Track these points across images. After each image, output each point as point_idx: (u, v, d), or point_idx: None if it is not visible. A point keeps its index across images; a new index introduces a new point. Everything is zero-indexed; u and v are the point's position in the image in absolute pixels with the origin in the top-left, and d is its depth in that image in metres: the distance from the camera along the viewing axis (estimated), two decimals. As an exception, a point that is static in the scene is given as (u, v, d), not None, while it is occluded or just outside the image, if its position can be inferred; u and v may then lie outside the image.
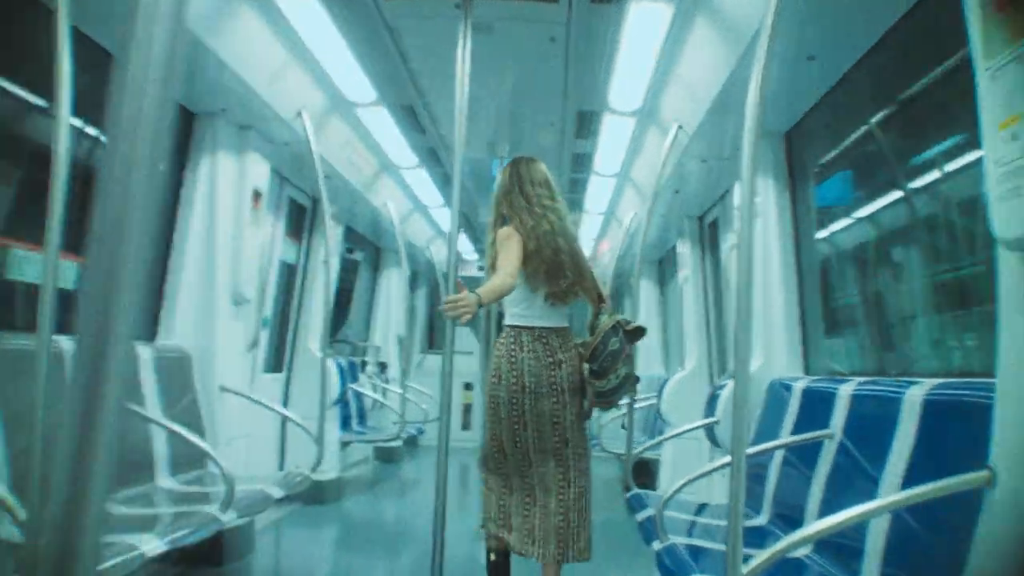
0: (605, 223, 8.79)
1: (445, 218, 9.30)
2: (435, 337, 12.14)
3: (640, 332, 3.73)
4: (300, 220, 7.00)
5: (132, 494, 3.80)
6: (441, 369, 3.87)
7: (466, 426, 11.69)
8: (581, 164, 7.29)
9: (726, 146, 5.11)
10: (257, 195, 5.15)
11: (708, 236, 6.83)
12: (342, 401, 7.28)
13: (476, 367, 11.33)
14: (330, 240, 6.08)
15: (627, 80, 5.07)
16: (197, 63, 4.05)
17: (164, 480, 4.10)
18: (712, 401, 4.88)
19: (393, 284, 9.99)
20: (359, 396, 8.29)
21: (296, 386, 6.76)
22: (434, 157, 7.18)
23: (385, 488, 8.25)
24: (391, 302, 9.99)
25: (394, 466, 9.37)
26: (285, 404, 6.54)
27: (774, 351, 4.60)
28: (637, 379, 3.79)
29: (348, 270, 9.44)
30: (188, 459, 4.28)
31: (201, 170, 4.82)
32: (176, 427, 3.77)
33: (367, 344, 9.66)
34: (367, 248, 9.69)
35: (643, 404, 6.79)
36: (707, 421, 4.73)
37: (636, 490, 4.51)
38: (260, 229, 5.25)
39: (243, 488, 3.76)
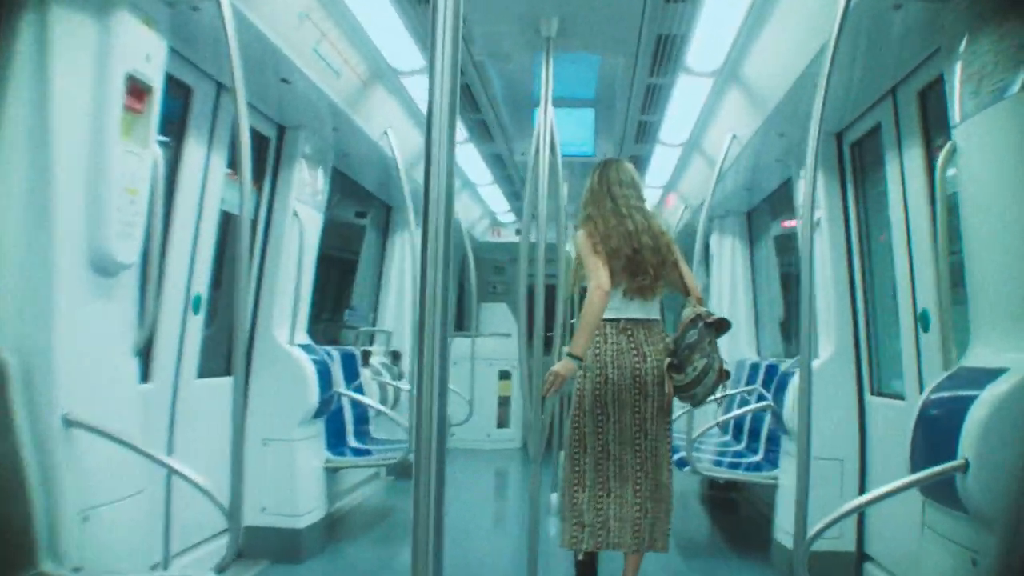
0: (685, 157, 6.55)
1: (471, 160, 7.14)
2: (462, 316, 10.04)
3: (724, 325, 3.82)
4: (262, 157, 4.87)
5: None
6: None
7: (503, 423, 9.69)
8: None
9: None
10: (138, 88, 3.00)
11: (856, 163, 4.77)
12: (327, 411, 5.18)
13: (514, 351, 9.50)
14: (302, 182, 4.96)
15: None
16: None
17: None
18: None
19: (408, 251, 7.90)
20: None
21: (257, 395, 4.65)
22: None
23: (400, 521, 6.03)
24: (405, 275, 7.71)
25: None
26: (239, 423, 4.47)
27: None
28: (727, 374, 3.80)
29: (349, 236, 7.34)
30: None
31: (19, 43, 2.72)
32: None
33: (375, 329, 7.54)
34: (375, 206, 7.57)
35: (753, 407, 5.40)
36: (950, 467, 2.60)
37: None
38: (147, 147, 3.10)
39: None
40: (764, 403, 5.05)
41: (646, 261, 3.78)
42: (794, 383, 4.63)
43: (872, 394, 4.57)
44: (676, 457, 5.63)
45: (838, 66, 3.78)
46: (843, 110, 4.48)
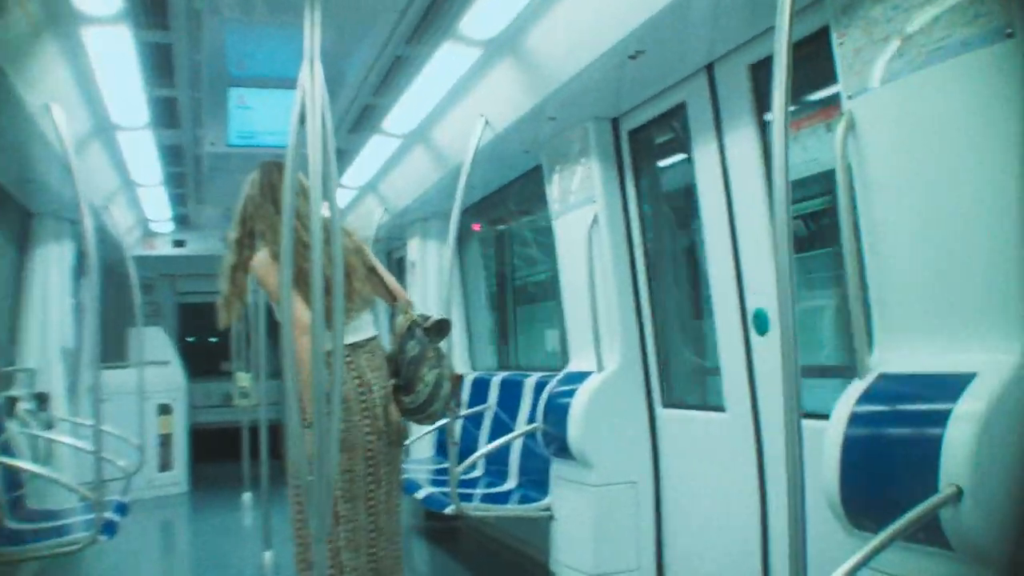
0: (402, 150, 5.78)
1: (142, 152, 5.78)
2: (111, 344, 8.46)
3: (445, 326, 3.38)
4: None
5: None
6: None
7: (166, 465, 8.36)
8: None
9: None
10: None
11: (636, 152, 4.31)
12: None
13: (173, 381, 8.20)
14: None
15: None
16: None
17: None
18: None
19: (53, 270, 6.33)
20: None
21: None
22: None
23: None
24: (49, 299, 6.18)
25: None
26: None
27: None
28: (459, 377, 3.95)
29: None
30: None
31: None
32: None
33: (14, 369, 5.88)
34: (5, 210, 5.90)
35: (524, 431, 4.71)
36: (942, 498, 2.11)
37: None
38: None
39: None
40: (533, 425, 4.44)
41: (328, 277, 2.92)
42: (580, 398, 4.08)
43: (663, 406, 4.14)
44: (423, 495, 4.88)
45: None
46: (619, 94, 4.02)
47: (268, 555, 5.25)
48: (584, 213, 4.25)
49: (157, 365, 8.35)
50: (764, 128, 3.33)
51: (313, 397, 2.52)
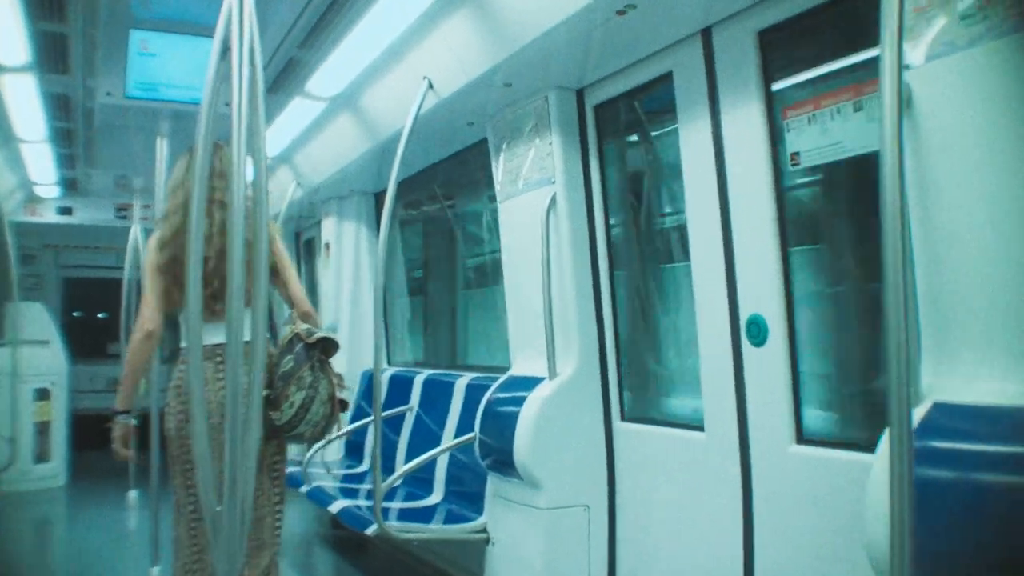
0: (326, 116, 5.11)
1: (24, 101, 4.99)
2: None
3: (330, 346, 3.10)
4: None
5: None
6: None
7: (43, 456, 7.54)
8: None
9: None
10: None
11: (601, 129, 3.80)
12: None
13: (53, 364, 7.37)
14: None
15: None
16: None
17: None
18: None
19: None
20: None
21: None
22: None
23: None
24: None
25: None
26: None
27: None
28: (344, 405, 3.10)
29: None
30: None
31: None
32: None
33: None
34: None
35: (459, 441, 4.15)
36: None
37: None
38: None
39: None
40: (468, 436, 3.88)
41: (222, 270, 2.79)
42: (529, 408, 3.54)
43: (623, 420, 3.64)
44: (337, 509, 4.29)
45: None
46: (587, 62, 3.49)
47: (155, 572, 4.57)
48: (540, 195, 3.71)
49: (35, 345, 7.48)
50: (771, 104, 2.84)
51: (193, 399, 2.30)
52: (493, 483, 3.89)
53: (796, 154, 2.75)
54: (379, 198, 6.34)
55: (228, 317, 2.16)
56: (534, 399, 3.55)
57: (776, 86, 2.85)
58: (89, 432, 8.77)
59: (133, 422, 3.11)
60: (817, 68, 2.75)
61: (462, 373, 4.83)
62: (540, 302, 3.65)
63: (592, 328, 3.66)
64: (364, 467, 5.53)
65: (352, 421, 5.58)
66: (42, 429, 7.57)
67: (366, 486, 5.05)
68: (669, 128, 3.48)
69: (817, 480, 2.70)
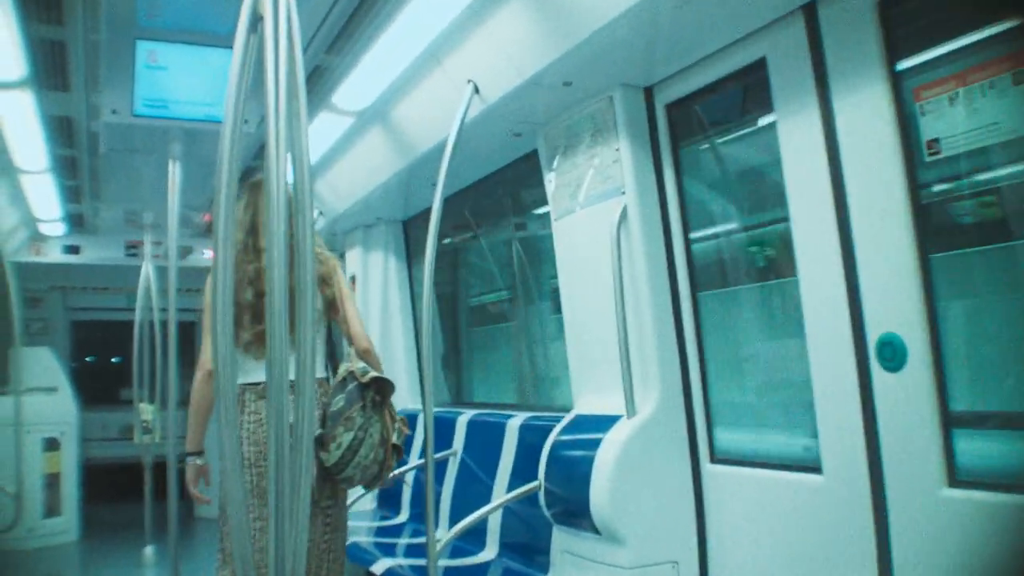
0: (354, 132, 4.67)
1: (19, 124, 4.57)
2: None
3: (385, 386, 2.99)
4: None
5: None
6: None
7: (53, 510, 7.08)
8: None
9: None
10: None
11: (675, 131, 3.33)
12: None
13: (62, 412, 6.93)
14: None
15: None
16: None
17: None
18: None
19: None
20: None
21: None
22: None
23: None
24: None
25: None
26: None
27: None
28: (396, 451, 2.99)
29: None
30: None
31: None
32: None
33: None
34: None
35: (522, 491, 3.54)
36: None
37: None
38: None
39: None
40: (532, 484, 3.41)
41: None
42: (607, 452, 3.07)
43: (711, 462, 3.16)
44: (382, 570, 3.82)
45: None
46: (656, 55, 3.06)
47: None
48: (606, 209, 3.27)
49: (42, 392, 7.04)
50: (898, 85, 2.39)
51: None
52: (560, 537, 3.41)
53: (935, 141, 2.31)
54: (407, 226, 5.91)
55: (269, 354, 1.75)
56: (612, 441, 3.08)
57: (903, 64, 2.41)
58: (101, 484, 8.35)
59: (201, 462, 3.09)
60: (960, 38, 2.30)
61: (514, 413, 4.33)
62: (608, 330, 3.21)
63: (674, 357, 3.19)
64: (401, 518, 5.04)
65: (387, 467, 5.13)
66: (51, 481, 7.10)
67: (404, 540, 4.59)
68: (754, 126, 3.05)
69: (976, 531, 2.24)
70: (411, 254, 5.95)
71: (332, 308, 3.15)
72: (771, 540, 2.84)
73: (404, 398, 5.69)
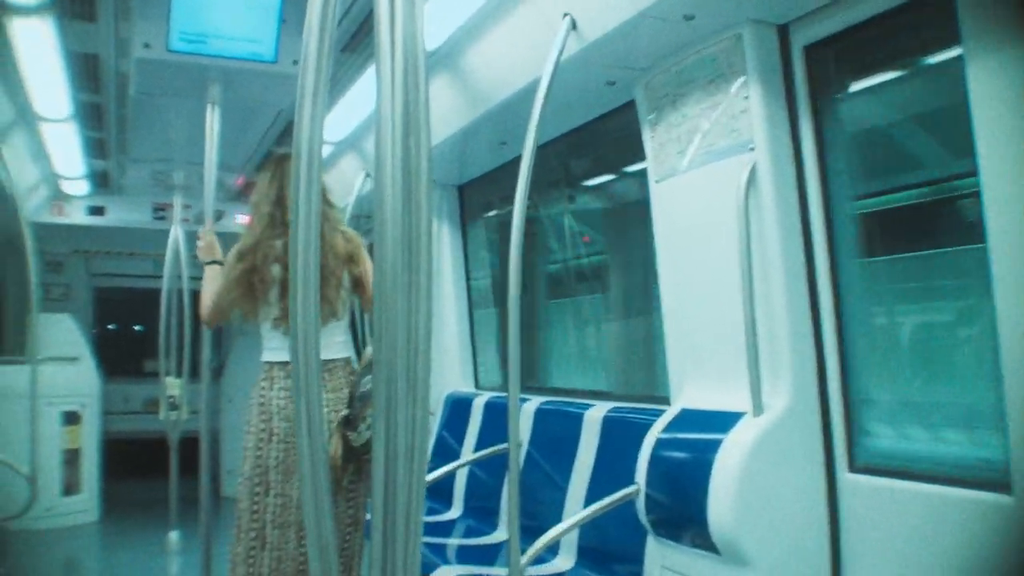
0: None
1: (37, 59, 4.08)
2: (10, 335, 6.76)
3: None
4: None
5: None
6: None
7: (72, 488, 6.68)
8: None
9: None
10: None
11: (816, 79, 2.79)
12: None
13: (83, 383, 6.50)
14: None
15: None
16: None
17: None
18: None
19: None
20: None
21: None
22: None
23: None
24: None
25: None
26: None
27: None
28: None
29: None
30: None
31: None
32: None
33: None
34: None
35: (618, 497, 2.95)
36: None
37: None
38: None
39: None
40: (631, 489, 2.91)
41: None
42: (730, 455, 2.57)
43: (850, 471, 2.66)
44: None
45: None
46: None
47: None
48: (729, 167, 2.76)
49: (62, 362, 6.62)
50: None
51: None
52: (658, 549, 2.93)
53: None
54: (463, 191, 5.41)
55: (293, 332, 1.34)
56: (736, 443, 2.58)
57: None
58: (123, 459, 7.96)
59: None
60: None
61: (594, 402, 3.81)
62: (722, 311, 2.72)
63: (808, 346, 2.68)
64: (453, 514, 4.56)
65: (434, 456, 4.66)
66: (71, 457, 6.72)
67: (456, 540, 4.13)
68: (918, 69, 2.54)
69: None
70: (466, 223, 5.46)
71: (359, 286, 3.24)
72: (938, 572, 2.34)
73: (454, 380, 5.24)
